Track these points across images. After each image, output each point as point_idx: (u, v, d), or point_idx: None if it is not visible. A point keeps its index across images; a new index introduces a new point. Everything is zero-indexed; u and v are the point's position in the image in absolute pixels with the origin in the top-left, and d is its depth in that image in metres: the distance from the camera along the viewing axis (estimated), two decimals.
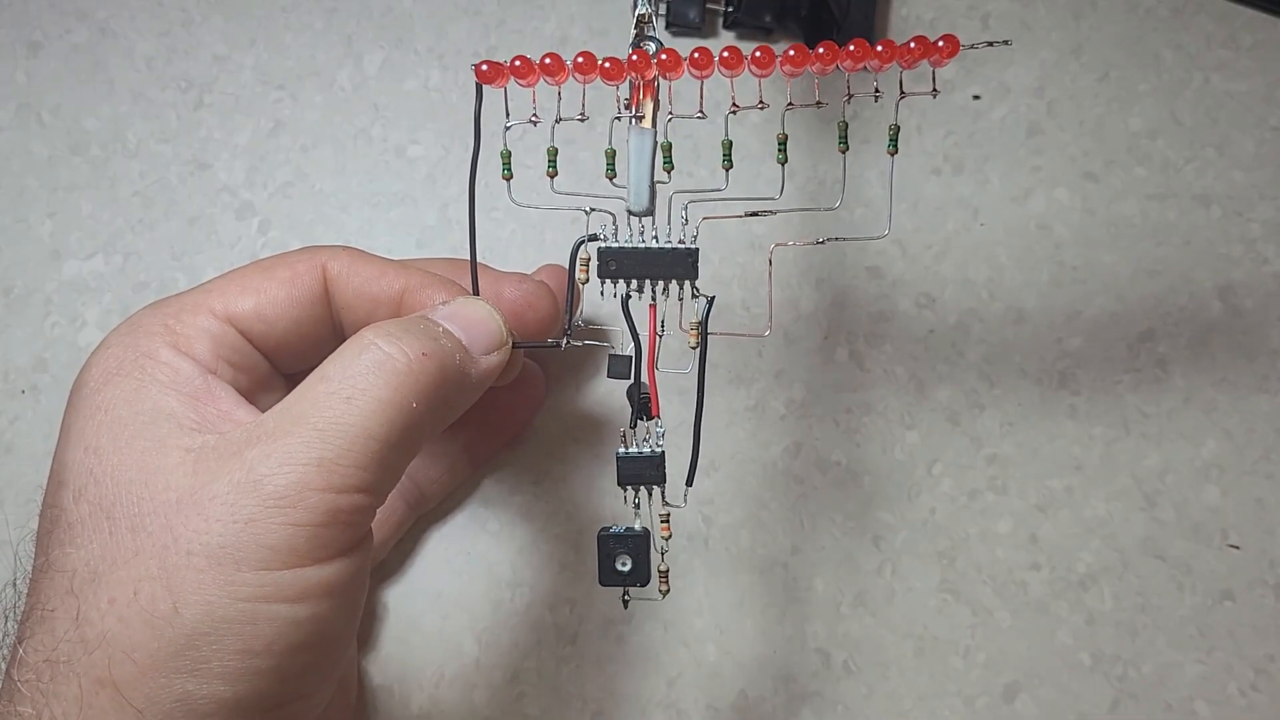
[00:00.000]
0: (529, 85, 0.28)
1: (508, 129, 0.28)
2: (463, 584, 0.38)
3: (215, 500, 0.24)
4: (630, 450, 0.28)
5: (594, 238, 0.28)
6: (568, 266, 0.29)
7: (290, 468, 0.24)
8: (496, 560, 0.38)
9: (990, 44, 0.28)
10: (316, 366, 0.26)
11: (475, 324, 0.28)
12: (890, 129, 0.28)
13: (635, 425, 0.28)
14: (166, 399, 0.26)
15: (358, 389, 0.25)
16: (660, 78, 0.28)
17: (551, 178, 0.29)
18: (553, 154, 0.29)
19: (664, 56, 0.27)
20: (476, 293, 0.30)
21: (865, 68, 0.28)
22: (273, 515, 0.23)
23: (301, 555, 0.24)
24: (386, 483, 0.25)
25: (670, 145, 0.28)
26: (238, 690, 0.23)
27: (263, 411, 0.26)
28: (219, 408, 0.26)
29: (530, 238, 0.41)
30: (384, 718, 0.37)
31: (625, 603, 0.29)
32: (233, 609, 0.23)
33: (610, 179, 0.28)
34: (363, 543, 0.26)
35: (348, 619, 0.26)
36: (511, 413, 0.37)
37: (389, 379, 0.25)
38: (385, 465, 0.25)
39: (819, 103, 0.28)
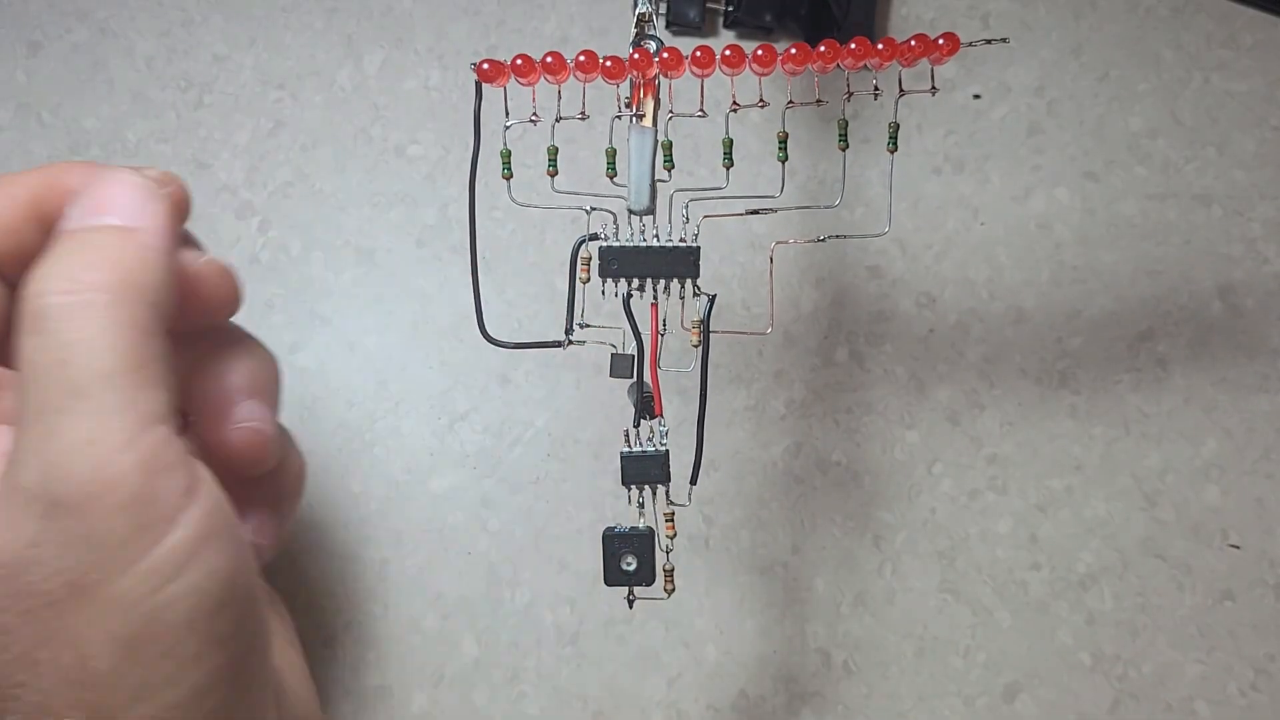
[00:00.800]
0: (530, 84, 0.28)
1: (508, 128, 0.28)
2: (463, 584, 0.38)
3: (35, 547, 0.21)
4: (634, 449, 0.28)
5: (595, 237, 0.28)
6: (569, 266, 0.28)
7: (75, 460, 0.21)
8: (496, 560, 0.38)
9: (989, 41, 0.28)
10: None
11: (113, 202, 0.24)
12: (890, 126, 0.28)
13: (639, 424, 0.28)
14: None
15: (66, 346, 0.22)
16: (661, 76, 0.28)
17: (552, 177, 0.29)
18: (553, 153, 0.29)
19: (666, 55, 0.27)
20: (477, 294, 0.30)
21: (866, 66, 0.28)
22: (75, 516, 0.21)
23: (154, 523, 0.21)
24: (159, 398, 0.22)
25: (670, 144, 0.28)
26: (193, 684, 0.22)
27: None
28: None
29: (530, 237, 0.41)
30: (384, 718, 0.37)
31: (630, 602, 0.29)
32: (137, 624, 0.21)
33: (611, 178, 0.28)
34: (200, 480, 0.23)
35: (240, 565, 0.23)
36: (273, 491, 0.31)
37: (90, 316, 0.22)
38: (149, 385, 0.22)
39: (819, 101, 0.28)
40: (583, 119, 0.28)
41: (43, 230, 0.25)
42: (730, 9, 0.42)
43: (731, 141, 0.29)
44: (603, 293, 0.28)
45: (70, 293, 0.22)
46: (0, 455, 0.22)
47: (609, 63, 0.27)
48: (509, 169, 0.28)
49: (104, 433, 0.21)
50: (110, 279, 0.22)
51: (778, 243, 0.30)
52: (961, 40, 0.27)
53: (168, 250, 0.24)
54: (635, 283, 0.28)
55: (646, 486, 0.28)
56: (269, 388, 0.29)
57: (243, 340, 0.28)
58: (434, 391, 0.40)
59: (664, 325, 0.28)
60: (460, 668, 0.37)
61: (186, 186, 0.27)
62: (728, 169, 0.29)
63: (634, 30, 0.30)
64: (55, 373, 0.21)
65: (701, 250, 0.28)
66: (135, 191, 0.24)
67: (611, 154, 0.28)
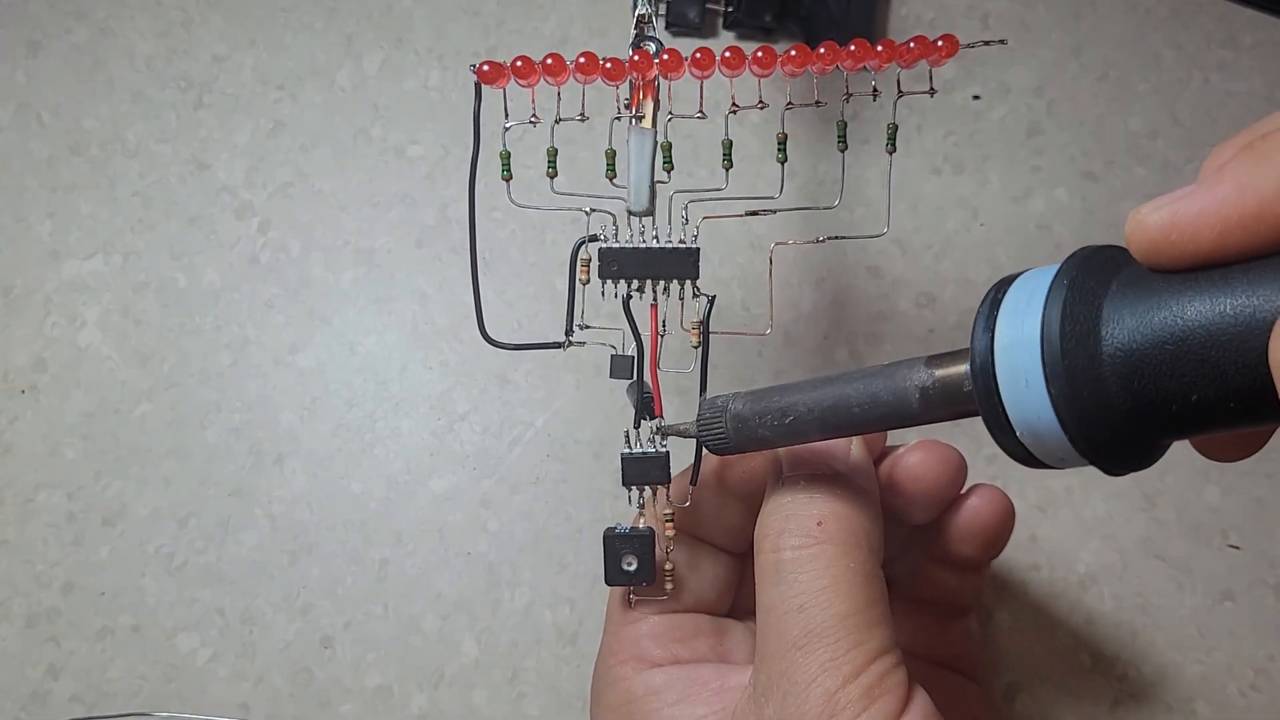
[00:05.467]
0: (530, 85, 0.28)
1: (507, 129, 0.28)
2: (463, 584, 0.38)
3: None
4: (634, 450, 0.28)
5: (594, 238, 0.28)
6: (568, 267, 0.28)
7: (809, 690, 0.24)
8: (496, 560, 0.38)
9: (987, 43, 0.28)
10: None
11: (815, 449, 0.27)
12: (889, 127, 0.28)
13: (639, 425, 0.28)
14: None
15: (803, 593, 0.25)
16: (661, 78, 0.28)
17: (551, 178, 0.29)
18: (552, 154, 0.29)
19: (666, 56, 0.27)
20: (477, 295, 0.30)
21: (865, 67, 0.28)
22: None
23: None
24: (883, 634, 0.25)
25: (670, 145, 0.28)
26: None
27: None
28: None
29: (530, 238, 0.41)
30: (384, 718, 0.37)
31: (631, 602, 0.29)
32: None
33: (610, 179, 0.28)
34: (913, 695, 0.25)
35: None
36: None
37: (822, 566, 0.25)
38: (874, 623, 0.25)
39: (818, 102, 0.28)
40: (582, 120, 0.28)
41: (726, 494, 0.29)
42: (730, 10, 0.42)
43: (731, 143, 0.29)
44: (602, 294, 0.28)
45: (802, 547, 0.25)
46: (736, 688, 0.26)
47: (609, 64, 0.27)
48: (509, 170, 0.29)
49: (836, 667, 0.24)
50: (835, 530, 0.25)
51: (777, 243, 0.30)
52: (960, 42, 0.27)
53: (874, 490, 0.27)
54: (635, 284, 0.28)
55: (647, 487, 0.28)
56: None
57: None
58: (434, 392, 0.40)
59: (664, 326, 0.28)
60: (460, 668, 0.37)
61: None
62: (727, 170, 0.29)
63: (634, 31, 0.30)
64: (794, 617, 0.24)
65: (701, 251, 0.28)
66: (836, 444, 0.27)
67: (611, 155, 0.28)
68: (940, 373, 0.22)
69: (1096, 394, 0.18)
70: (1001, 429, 0.19)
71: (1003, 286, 0.20)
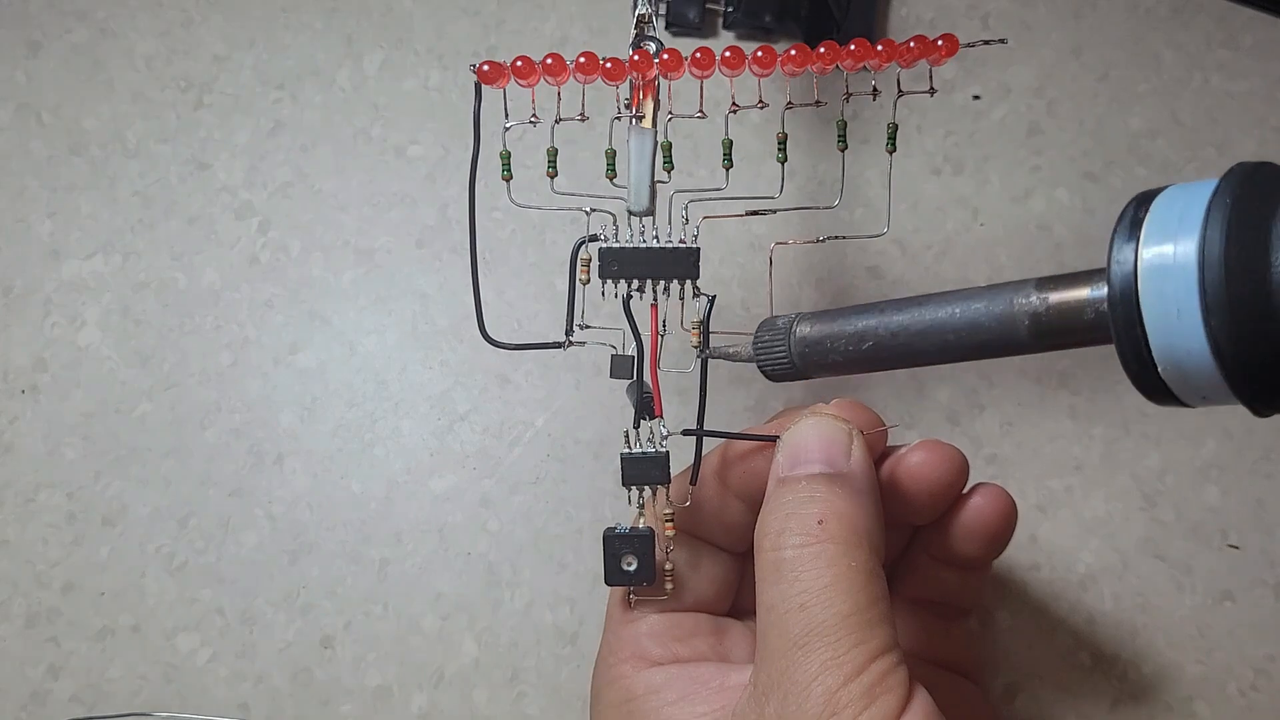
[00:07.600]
0: (530, 85, 0.28)
1: (507, 129, 0.28)
2: (463, 584, 0.38)
3: None
4: (634, 450, 0.28)
5: (594, 238, 0.28)
6: (569, 267, 0.28)
7: (810, 689, 0.24)
8: (496, 560, 0.38)
9: (987, 42, 0.28)
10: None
11: (815, 450, 0.27)
12: (889, 127, 0.28)
13: (639, 425, 0.28)
14: None
15: (804, 592, 0.24)
16: (661, 78, 0.28)
17: (551, 178, 0.29)
18: (552, 154, 0.29)
19: (666, 56, 0.27)
20: (477, 294, 0.30)
21: (865, 67, 0.28)
22: None
23: None
24: (885, 633, 0.25)
25: (670, 145, 0.28)
26: None
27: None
28: None
29: (530, 238, 0.41)
30: (384, 718, 0.37)
31: (631, 602, 0.29)
32: None
33: (610, 179, 0.28)
34: (914, 694, 0.24)
35: None
36: None
37: (823, 565, 0.25)
38: (875, 622, 0.24)
39: (818, 102, 0.28)
40: (582, 120, 0.28)
41: (726, 493, 0.29)
42: (730, 10, 0.42)
43: (731, 142, 0.29)
44: (602, 294, 0.28)
45: (804, 545, 0.25)
46: (736, 687, 0.26)
47: (609, 64, 0.27)
48: (509, 170, 0.29)
49: (837, 665, 0.24)
50: (836, 529, 0.25)
51: (777, 243, 0.30)
52: (960, 41, 0.27)
53: (874, 489, 0.27)
54: (635, 284, 0.28)
55: (647, 487, 0.28)
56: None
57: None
58: (434, 391, 0.40)
59: (664, 326, 0.28)
60: (460, 668, 0.37)
61: (872, 415, 0.28)
62: (727, 170, 0.29)
63: (634, 31, 0.30)
64: (796, 616, 0.24)
65: (701, 251, 0.28)
66: (831, 435, 0.27)
67: (611, 155, 0.28)
68: (1056, 297, 0.19)
69: (1263, 327, 0.16)
70: (1140, 362, 0.18)
71: (1144, 202, 0.18)
